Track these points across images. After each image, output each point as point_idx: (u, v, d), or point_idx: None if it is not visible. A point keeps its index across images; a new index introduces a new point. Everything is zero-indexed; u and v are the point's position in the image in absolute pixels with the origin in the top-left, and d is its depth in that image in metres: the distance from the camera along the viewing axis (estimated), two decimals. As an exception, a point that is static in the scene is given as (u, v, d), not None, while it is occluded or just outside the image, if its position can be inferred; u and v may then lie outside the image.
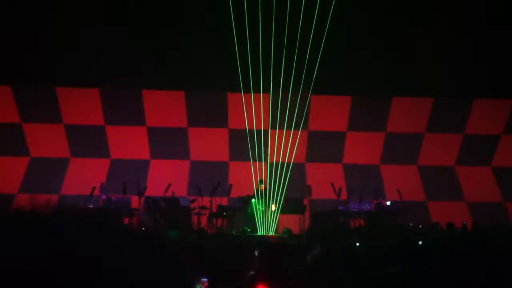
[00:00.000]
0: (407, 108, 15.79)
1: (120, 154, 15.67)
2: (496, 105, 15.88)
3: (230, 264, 4.77)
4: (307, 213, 14.04)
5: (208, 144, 15.72)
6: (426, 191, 16.03)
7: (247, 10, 13.26)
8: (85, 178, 14.34)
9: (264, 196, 13.58)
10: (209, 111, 15.53)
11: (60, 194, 14.66)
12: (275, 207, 13.58)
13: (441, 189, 15.96)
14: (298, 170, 14.86)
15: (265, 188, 13.69)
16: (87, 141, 15.42)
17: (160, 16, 14.10)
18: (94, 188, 13.28)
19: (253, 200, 13.49)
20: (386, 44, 14.49)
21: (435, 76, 14.66)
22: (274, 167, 14.06)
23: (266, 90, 13.98)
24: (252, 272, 4.55)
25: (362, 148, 16.03)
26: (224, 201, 13.87)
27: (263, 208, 13.44)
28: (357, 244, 6.28)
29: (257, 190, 13.77)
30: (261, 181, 13.91)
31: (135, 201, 13.38)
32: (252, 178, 13.95)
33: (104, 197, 13.58)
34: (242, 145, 14.39)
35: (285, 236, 12.56)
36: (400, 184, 14.69)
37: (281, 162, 14.22)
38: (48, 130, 15.38)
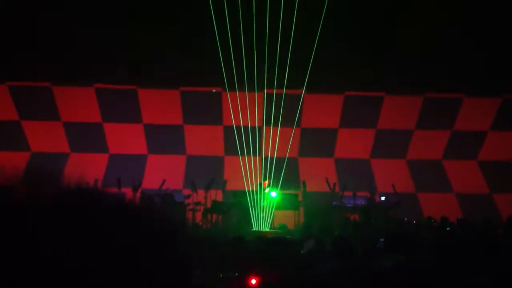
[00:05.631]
0: (398, 106, 15.35)
1: (118, 149, 15.38)
2: (485, 102, 15.48)
3: (225, 257, 4.70)
4: (302, 208, 13.89)
5: (203, 140, 15.36)
6: (415, 183, 15.68)
7: (241, 9, 13.15)
8: (84, 172, 14.26)
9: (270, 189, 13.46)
10: (204, 109, 15.20)
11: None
12: (268, 183, 13.48)
13: (430, 181, 15.65)
14: (291, 165, 14.85)
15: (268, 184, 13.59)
16: (86, 138, 15.11)
17: (156, 16, 13.95)
18: (88, 184, 13.11)
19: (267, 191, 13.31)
20: (378, 44, 14.36)
21: (426, 75, 14.60)
22: (268, 162, 14.00)
23: (260, 89, 13.89)
24: (247, 267, 4.48)
25: (353, 144, 15.65)
26: (219, 196, 13.66)
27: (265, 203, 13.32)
28: (352, 238, 6.23)
29: (260, 184, 13.65)
30: (265, 177, 13.77)
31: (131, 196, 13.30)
32: (246, 173, 13.86)
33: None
34: (236, 142, 14.34)
35: (280, 231, 12.49)
36: (389, 177, 14.48)
37: (276, 157, 14.16)
38: (47, 127, 15.03)
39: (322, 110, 15.49)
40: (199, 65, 13.92)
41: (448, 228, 9.95)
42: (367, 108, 15.51)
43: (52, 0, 13.36)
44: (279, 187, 13.56)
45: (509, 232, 9.35)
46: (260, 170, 13.84)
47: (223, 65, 13.29)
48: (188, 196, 13.29)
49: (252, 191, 13.29)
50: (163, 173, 14.04)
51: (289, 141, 14.12)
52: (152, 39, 13.67)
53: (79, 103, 14.96)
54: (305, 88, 13.75)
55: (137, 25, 13.54)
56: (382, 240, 5.79)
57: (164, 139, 15.45)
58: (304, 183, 14.32)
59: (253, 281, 3.96)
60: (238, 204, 13.27)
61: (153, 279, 1.00)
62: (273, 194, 13.31)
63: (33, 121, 15.15)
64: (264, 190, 13.29)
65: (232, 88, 13.66)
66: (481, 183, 15.93)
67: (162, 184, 13.32)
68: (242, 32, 13.06)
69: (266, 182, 13.45)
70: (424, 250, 4.49)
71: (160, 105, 15.32)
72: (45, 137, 15.26)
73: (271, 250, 5.28)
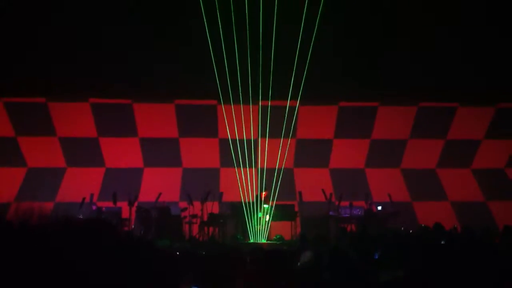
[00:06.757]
0: (392, 116, 15.40)
1: (115, 163, 15.30)
2: (479, 112, 15.51)
3: (222, 271, 4.64)
4: (298, 218, 13.78)
5: (199, 153, 15.37)
6: (410, 192, 15.66)
7: (235, 22, 13.15)
8: (81, 186, 14.24)
9: (264, 202, 13.38)
10: (199, 122, 15.23)
11: (55, 202, 14.47)
12: (266, 194, 13.41)
13: (425, 190, 15.64)
14: (287, 175, 14.81)
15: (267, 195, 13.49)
16: (82, 152, 15.04)
17: (153, 29, 13.94)
18: (84, 199, 13.00)
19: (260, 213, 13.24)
20: (372, 54, 14.39)
21: (420, 85, 14.60)
22: (264, 173, 13.95)
23: (255, 101, 13.88)
24: (244, 280, 4.41)
25: (348, 154, 15.65)
26: (215, 209, 13.52)
27: (263, 215, 13.23)
28: (350, 249, 6.17)
29: (257, 195, 13.56)
30: (264, 188, 13.67)
31: (127, 210, 13.22)
32: (242, 185, 13.80)
33: (94, 207, 13.38)
34: (232, 154, 14.31)
35: (277, 243, 12.41)
36: (385, 186, 14.49)
37: (272, 168, 14.12)
38: (43, 142, 14.94)
39: (317, 121, 15.51)
40: (194, 79, 13.90)
41: (442, 242, 9.87)
42: (362, 118, 15.53)
43: (46, 17, 13.32)
44: (275, 198, 13.51)
45: (506, 241, 9.29)
46: (256, 182, 13.80)
47: (218, 78, 13.27)
48: (185, 209, 13.22)
49: (249, 203, 13.23)
50: (159, 186, 14.00)
51: (285, 152, 14.10)
52: (146, 53, 13.65)
53: (75, 118, 14.92)
54: (300, 99, 13.75)
55: (131, 37, 13.51)
56: (379, 250, 5.72)
57: (160, 152, 15.41)
58: (300, 193, 14.28)
59: None
60: (234, 216, 13.22)
61: None
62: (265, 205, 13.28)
63: (29, 137, 15.08)
64: (263, 201, 13.24)
65: (227, 101, 13.64)
66: (476, 191, 15.93)
67: (158, 197, 13.25)
68: (236, 45, 13.07)
69: (265, 193, 13.39)
70: (422, 261, 4.44)
71: (156, 119, 15.29)
72: (41, 153, 15.18)
73: (268, 262, 5.21)
